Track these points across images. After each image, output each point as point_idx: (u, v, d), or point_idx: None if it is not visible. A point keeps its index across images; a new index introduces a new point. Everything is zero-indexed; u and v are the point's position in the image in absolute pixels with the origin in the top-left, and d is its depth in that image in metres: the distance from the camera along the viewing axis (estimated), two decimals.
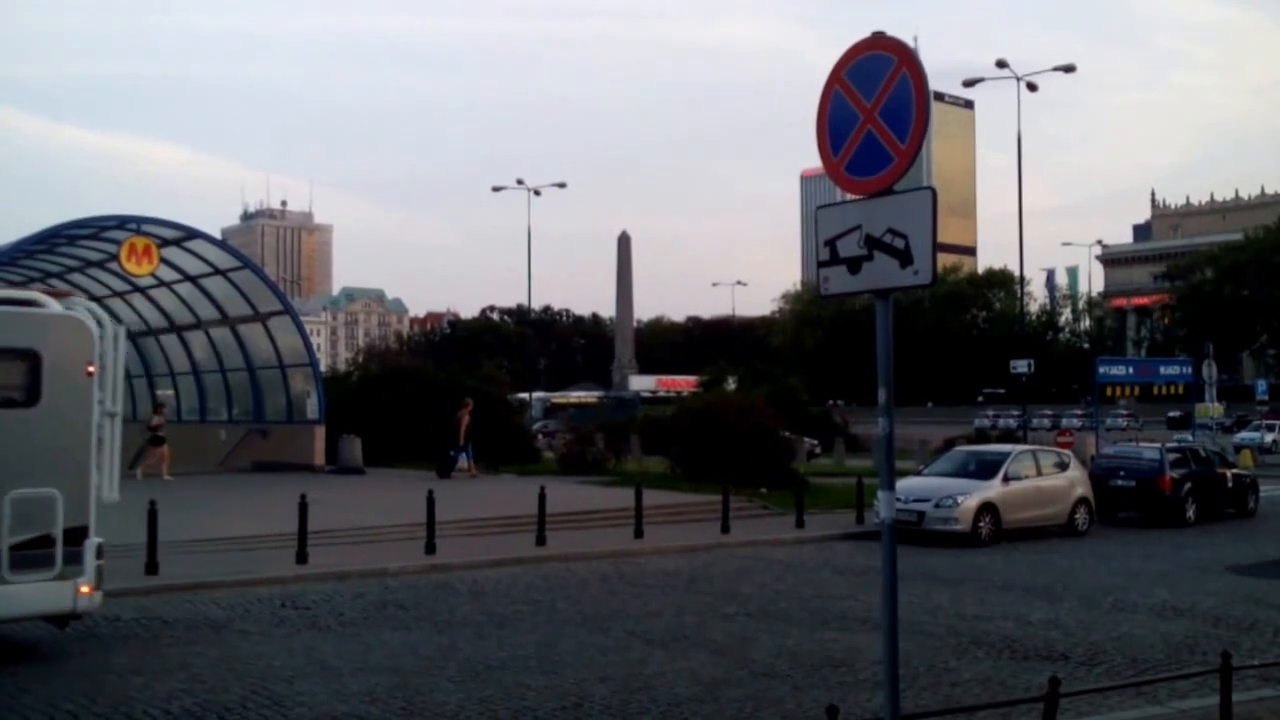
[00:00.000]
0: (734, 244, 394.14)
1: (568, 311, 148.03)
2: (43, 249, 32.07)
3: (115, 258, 30.17)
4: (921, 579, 15.08)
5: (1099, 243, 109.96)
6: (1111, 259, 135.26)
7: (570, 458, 31.72)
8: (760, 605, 13.30)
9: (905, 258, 5.82)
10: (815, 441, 46.21)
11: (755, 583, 15.05)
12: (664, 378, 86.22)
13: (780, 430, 29.43)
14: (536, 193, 62.19)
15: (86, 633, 11.32)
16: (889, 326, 6.07)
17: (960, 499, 19.71)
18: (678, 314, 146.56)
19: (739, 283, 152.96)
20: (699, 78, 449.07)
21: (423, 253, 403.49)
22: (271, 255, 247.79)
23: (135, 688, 9.11)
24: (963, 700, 9.02)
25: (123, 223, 29.89)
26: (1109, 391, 35.97)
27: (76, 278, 34.88)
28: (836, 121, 6.15)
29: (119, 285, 34.17)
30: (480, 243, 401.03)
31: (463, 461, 29.13)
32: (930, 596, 13.89)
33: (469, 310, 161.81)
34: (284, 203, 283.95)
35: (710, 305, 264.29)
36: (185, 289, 33.49)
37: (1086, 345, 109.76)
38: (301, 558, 15.22)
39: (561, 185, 63.00)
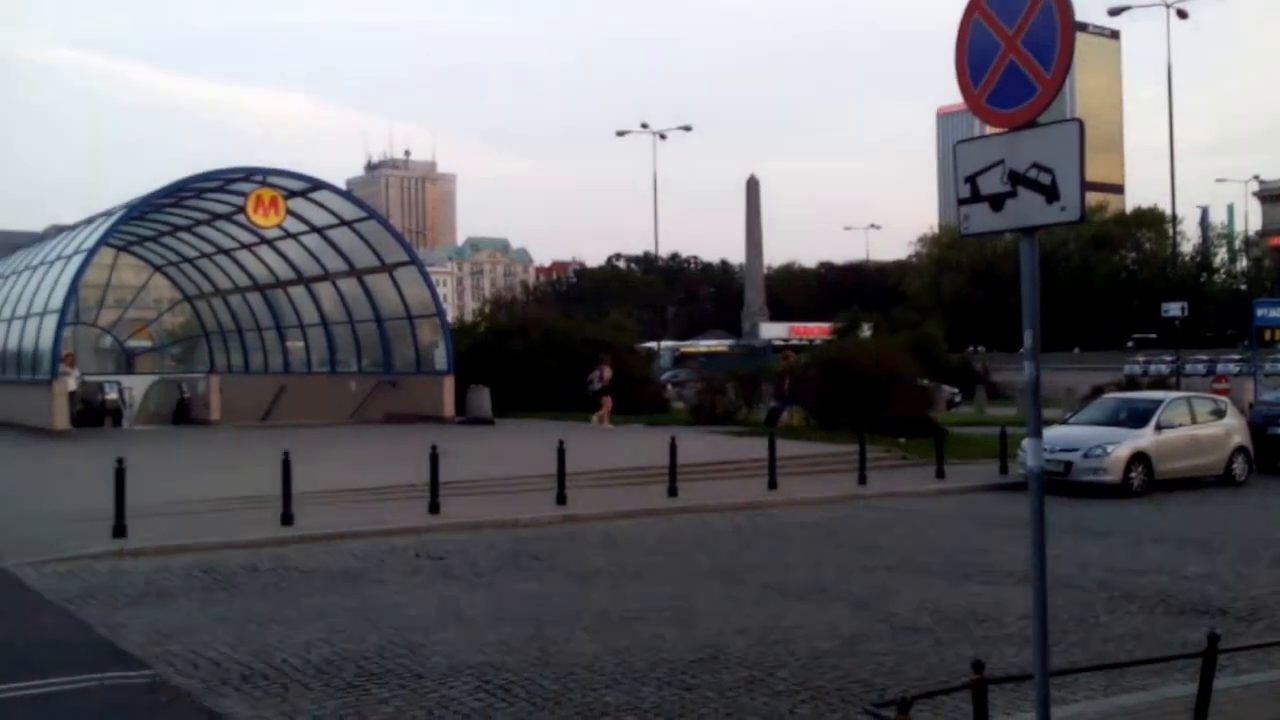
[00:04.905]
0: (867, 186, 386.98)
1: (696, 259, 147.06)
2: (170, 203, 32.82)
3: (242, 210, 30.63)
4: (1070, 531, 14.52)
5: (1256, 178, 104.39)
6: (1270, 195, 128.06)
7: (701, 408, 31.53)
8: (900, 558, 12.95)
9: (1051, 193, 5.52)
10: (955, 390, 45.18)
11: (894, 535, 14.69)
12: (796, 325, 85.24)
13: (918, 378, 28.79)
14: (662, 136, 61.70)
15: (227, 582, 11.57)
16: (1034, 266, 5.77)
17: (1110, 448, 18.99)
18: (809, 259, 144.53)
19: (872, 226, 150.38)
20: (828, 12, 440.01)
21: (546, 201, 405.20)
22: (396, 206, 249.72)
23: (275, 636, 9.23)
24: (1115, 656, 8.63)
25: (248, 175, 30.28)
26: (1268, 335, 34.24)
27: (204, 230, 35.74)
28: (976, 52, 5.84)
29: (246, 238, 34.81)
30: (605, 189, 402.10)
31: (786, 414, 29.08)
32: (1079, 549, 13.36)
33: (595, 259, 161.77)
34: (407, 152, 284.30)
35: (843, 250, 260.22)
36: (312, 240, 33.93)
37: (1243, 287, 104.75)
38: (434, 508, 15.35)
39: (687, 128, 62.34)
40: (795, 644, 8.94)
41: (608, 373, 30.14)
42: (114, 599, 10.70)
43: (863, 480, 19.15)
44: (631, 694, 7.62)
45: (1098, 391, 31.64)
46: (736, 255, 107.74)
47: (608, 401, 29.72)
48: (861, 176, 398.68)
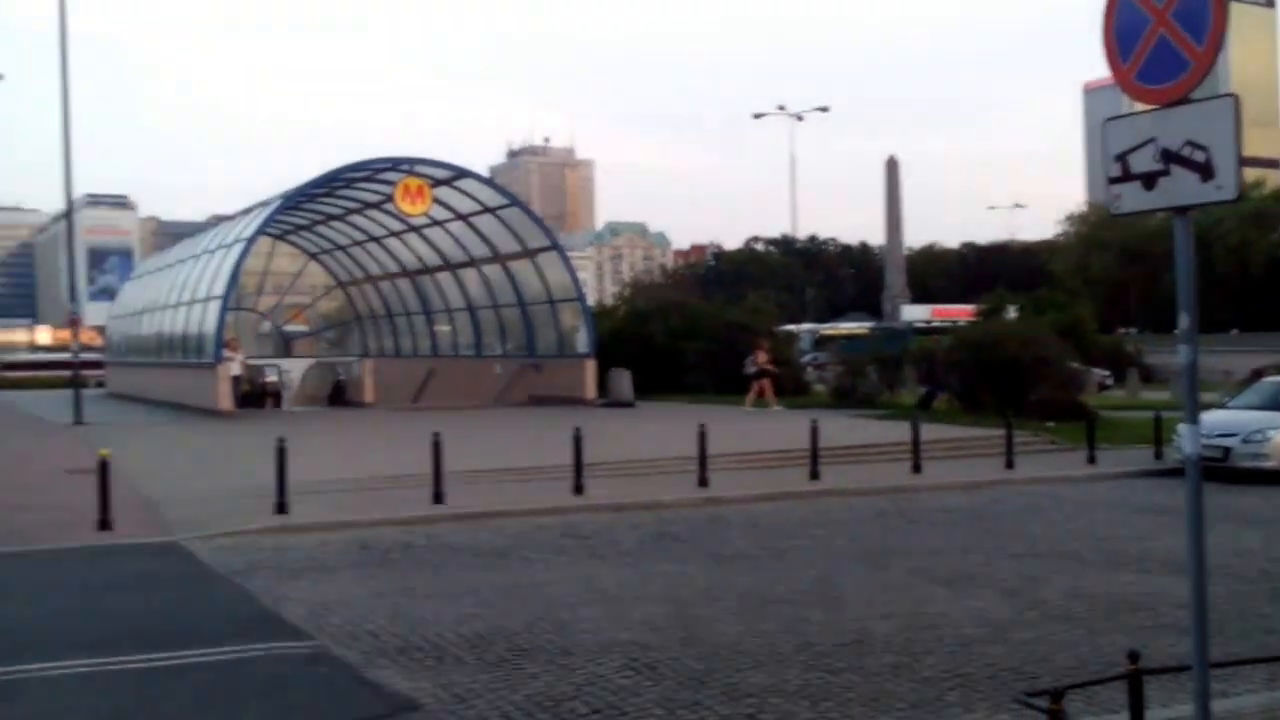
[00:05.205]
0: (1010, 164, 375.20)
1: (834, 240, 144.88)
2: (323, 192, 34.02)
3: (390, 199, 31.70)
4: (1229, 519, 13.98)
5: None
6: None
7: (842, 390, 31.31)
8: (1050, 545, 12.68)
9: (1206, 171, 5.39)
10: (1106, 373, 43.83)
11: (1044, 521, 14.39)
12: (938, 307, 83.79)
13: (1067, 361, 28.07)
14: (799, 118, 61.41)
15: (383, 557, 12.00)
16: (1189, 246, 5.66)
17: (1271, 433, 18.20)
18: (951, 240, 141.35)
19: (1017, 205, 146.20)
20: None
21: (684, 184, 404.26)
22: (536, 192, 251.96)
23: (428, 611, 9.53)
24: (1278, 649, 8.30)
25: (396, 164, 31.25)
26: None
27: (355, 219, 36.92)
28: (1124, 26, 5.72)
29: (395, 225, 35.88)
30: (742, 172, 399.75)
31: (938, 398, 28.92)
32: (1239, 538, 12.86)
33: (733, 241, 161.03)
34: (547, 139, 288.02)
35: (986, 230, 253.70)
36: (457, 227, 34.79)
37: None
38: (578, 489, 15.63)
39: (824, 109, 61.97)
40: (942, 630, 8.85)
41: (762, 356, 30.27)
42: (277, 572, 11.21)
43: (1010, 465, 18.78)
44: (776, 676, 7.65)
45: (1257, 375, 30.31)
46: (876, 237, 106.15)
47: (765, 384, 29.89)
48: (1005, 155, 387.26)
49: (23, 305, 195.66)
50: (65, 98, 28.48)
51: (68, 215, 36.96)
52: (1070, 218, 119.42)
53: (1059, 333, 31.61)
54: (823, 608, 9.61)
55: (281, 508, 13.93)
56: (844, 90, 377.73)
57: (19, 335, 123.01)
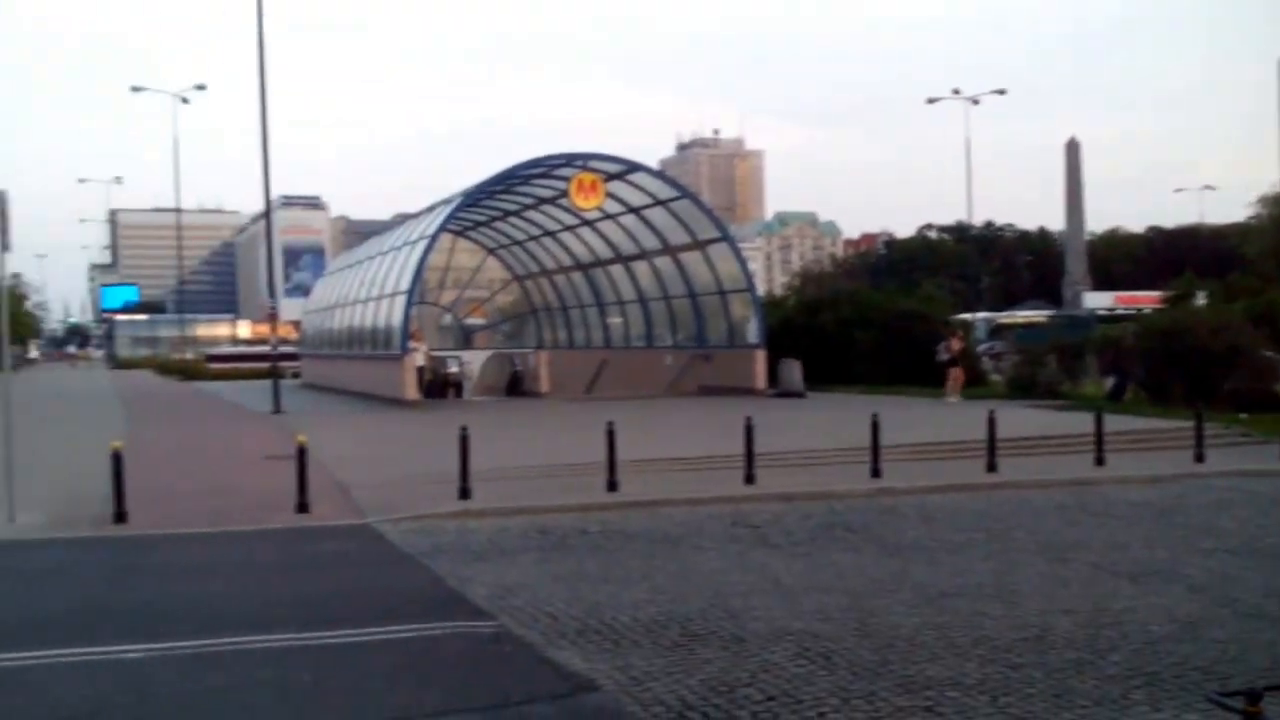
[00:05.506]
0: (1198, 144, 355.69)
1: (1011, 226, 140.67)
2: (501, 189, 34.94)
3: (565, 194, 32.39)
4: None
5: None
6: None
7: (1019, 381, 30.50)
8: (1243, 541, 12.14)
9: None
10: None
11: (1236, 517, 13.77)
12: (1122, 294, 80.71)
13: (1262, 349, 26.75)
14: (975, 102, 59.92)
15: (560, 542, 12.30)
16: None
17: None
18: (1136, 224, 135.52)
19: (1206, 187, 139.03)
20: None
21: (854, 173, 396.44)
22: (706, 184, 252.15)
23: (604, 595, 9.75)
24: None
25: (570, 160, 31.90)
26: None
27: (531, 214, 37.80)
28: None
29: (569, 220, 36.58)
30: (914, 159, 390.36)
31: (1129, 389, 28.15)
32: None
33: (904, 229, 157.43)
34: (716, 131, 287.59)
35: (1173, 213, 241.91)
36: (629, 220, 35.21)
37: None
38: (749, 479, 15.67)
39: (1001, 92, 60.33)
40: (1127, 627, 8.61)
41: (955, 345, 29.83)
42: (461, 555, 11.65)
43: (1200, 458, 18.01)
44: (954, 669, 7.58)
45: None
46: (1055, 222, 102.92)
47: (957, 373, 29.48)
48: (1192, 134, 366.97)
49: (225, 301, 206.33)
50: (263, 106, 29.95)
51: (267, 216, 38.95)
52: (1263, 199, 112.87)
53: (1252, 320, 30.08)
54: (1001, 601, 9.45)
55: (464, 493, 14.43)
56: (1022, 72, 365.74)
57: (222, 329, 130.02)
